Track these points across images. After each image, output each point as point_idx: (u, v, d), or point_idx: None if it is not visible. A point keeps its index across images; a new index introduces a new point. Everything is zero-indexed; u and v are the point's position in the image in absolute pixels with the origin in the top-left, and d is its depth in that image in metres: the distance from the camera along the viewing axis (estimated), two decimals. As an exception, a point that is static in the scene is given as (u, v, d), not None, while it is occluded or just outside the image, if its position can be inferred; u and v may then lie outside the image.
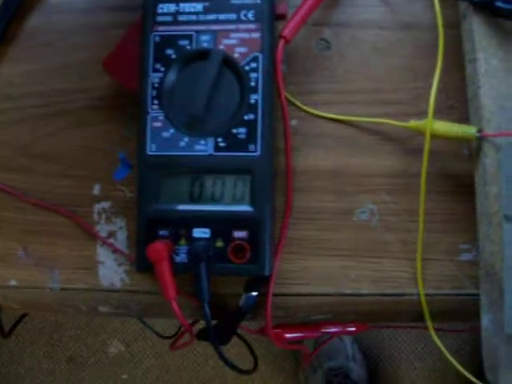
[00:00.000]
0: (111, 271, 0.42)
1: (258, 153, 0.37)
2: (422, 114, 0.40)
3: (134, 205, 0.39)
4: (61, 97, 0.44)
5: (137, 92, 0.39)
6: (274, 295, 0.40)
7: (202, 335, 0.40)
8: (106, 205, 0.43)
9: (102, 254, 0.42)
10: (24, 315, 0.46)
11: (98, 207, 0.43)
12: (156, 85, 0.38)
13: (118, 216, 0.42)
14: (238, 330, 0.41)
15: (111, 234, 0.42)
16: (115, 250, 0.42)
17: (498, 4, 0.36)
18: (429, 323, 0.40)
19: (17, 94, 0.45)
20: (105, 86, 0.43)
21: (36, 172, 0.44)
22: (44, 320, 1.03)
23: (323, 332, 0.45)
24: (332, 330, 0.45)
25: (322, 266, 0.41)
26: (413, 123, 0.39)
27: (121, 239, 0.42)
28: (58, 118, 0.44)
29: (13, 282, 0.43)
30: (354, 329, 0.46)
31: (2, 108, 0.45)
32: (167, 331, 0.65)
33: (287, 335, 0.44)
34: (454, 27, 0.40)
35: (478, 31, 0.38)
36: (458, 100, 0.41)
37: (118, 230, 0.42)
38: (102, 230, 0.42)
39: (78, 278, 0.42)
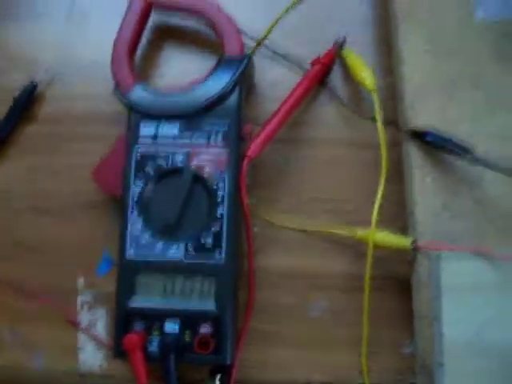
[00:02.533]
0: (90, 356, 0.47)
1: (222, 260, 0.42)
2: (367, 223, 0.45)
3: (113, 299, 0.44)
4: (54, 195, 0.50)
5: (120, 199, 0.45)
6: (236, 382, 0.44)
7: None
8: (88, 296, 0.48)
9: (83, 340, 0.47)
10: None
11: (81, 298, 0.48)
12: (136, 197, 0.44)
13: (98, 307, 0.47)
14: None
15: (92, 323, 0.47)
16: (95, 338, 0.47)
17: (428, 138, 0.42)
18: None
19: (15, 190, 0.51)
20: (94, 189, 0.48)
21: (25, 262, 0.49)
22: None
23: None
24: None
25: (277, 355, 0.46)
26: (358, 234, 0.44)
27: (100, 327, 0.47)
28: (49, 215, 0.49)
29: (-1, 362, 0.48)
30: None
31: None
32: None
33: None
34: (398, 144, 0.46)
35: (414, 154, 0.43)
36: (403, 208, 0.46)
37: (99, 319, 0.47)
38: (84, 318, 0.47)
39: (60, 361, 0.47)
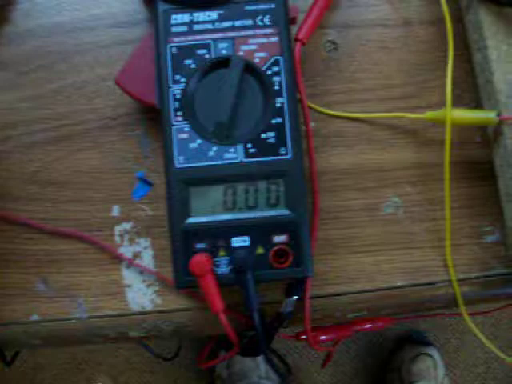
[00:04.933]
0: (140, 293, 0.41)
1: (289, 155, 0.37)
2: (430, 107, 0.41)
3: (166, 220, 0.37)
4: (68, 119, 0.42)
5: (153, 106, 0.38)
6: (313, 297, 0.40)
7: (245, 349, 0.39)
8: (127, 226, 0.41)
9: (129, 276, 0.41)
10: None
11: (118, 229, 0.41)
12: (178, 96, 0.37)
13: (141, 236, 0.41)
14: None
15: (136, 255, 0.41)
16: (143, 271, 0.41)
17: (503, -9, 0.37)
18: (462, 308, 0.41)
19: (20, 121, 0.42)
20: (114, 104, 0.42)
21: (47, 199, 0.42)
22: (25, 362, 0.98)
23: (354, 330, 0.45)
24: (361, 327, 0.46)
25: (353, 263, 0.41)
26: (431, 114, 0.39)
27: (147, 259, 0.41)
28: (68, 141, 0.42)
29: (35, 317, 0.41)
30: (381, 323, 0.46)
31: (6, 135, 0.42)
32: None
33: (322, 337, 0.43)
34: (452, 22, 0.41)
35: (485, 20, 0.39)
36: (464, 90, 0.42)
37: (143, 251, 0.41)
38: (127, 251, 0.41)
39: (105, 304, 0.41)
